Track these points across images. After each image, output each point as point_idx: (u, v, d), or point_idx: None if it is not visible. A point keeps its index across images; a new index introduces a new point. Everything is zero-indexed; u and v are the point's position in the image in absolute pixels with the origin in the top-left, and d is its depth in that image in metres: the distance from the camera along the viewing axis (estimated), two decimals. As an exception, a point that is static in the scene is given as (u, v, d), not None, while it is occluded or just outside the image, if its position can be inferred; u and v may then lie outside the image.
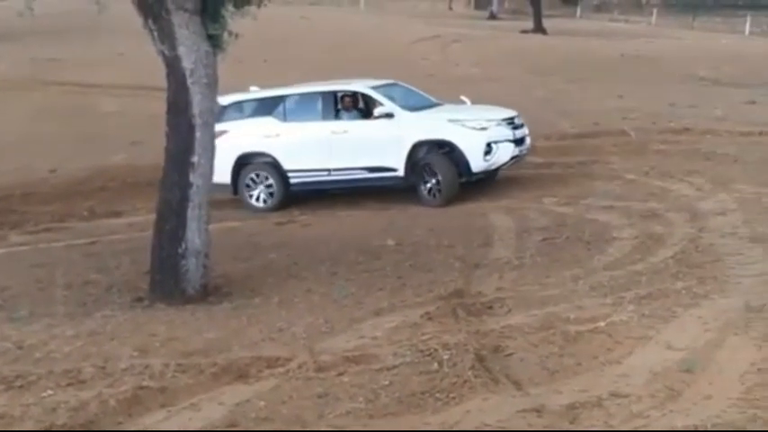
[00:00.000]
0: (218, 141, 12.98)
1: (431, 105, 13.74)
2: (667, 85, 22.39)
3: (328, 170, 13.12)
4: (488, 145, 12.61)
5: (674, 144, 15.07)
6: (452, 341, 5.86)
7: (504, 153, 12.74)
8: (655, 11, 50.49)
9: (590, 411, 4.51)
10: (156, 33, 7.91)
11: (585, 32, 37.73)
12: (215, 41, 8.21)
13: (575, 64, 26.07)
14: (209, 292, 8.33)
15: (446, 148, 12.64)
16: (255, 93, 14.30)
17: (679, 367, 5.19)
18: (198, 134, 8.06)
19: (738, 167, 12.59)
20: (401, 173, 12.74)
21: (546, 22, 40.51)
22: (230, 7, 8.40)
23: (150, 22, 7.89)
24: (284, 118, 13.49)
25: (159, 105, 8.44)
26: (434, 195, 12.59)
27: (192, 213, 8.19)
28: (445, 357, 5.53)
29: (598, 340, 5.82)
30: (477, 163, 12.62)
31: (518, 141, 12.92)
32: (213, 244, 8.63)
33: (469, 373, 5.25)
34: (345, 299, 7.74)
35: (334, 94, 13.60)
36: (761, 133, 15.75)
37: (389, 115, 12.93)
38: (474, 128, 12.72)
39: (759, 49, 32.52)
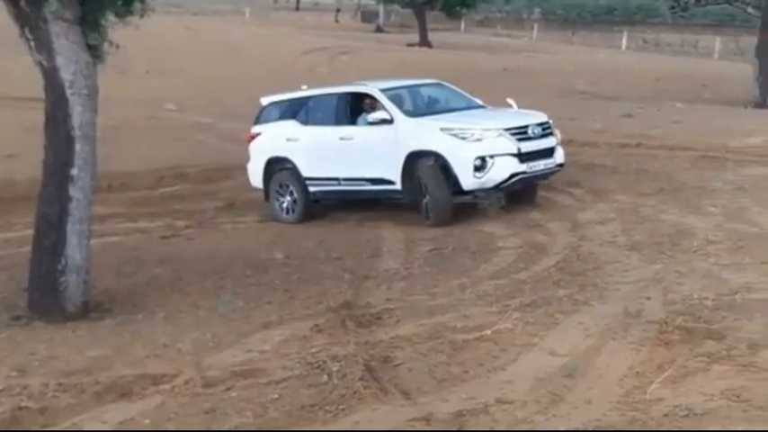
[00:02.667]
0: (252, 144, 13.08)
1: (462, 108, 12.18)
2: (548, 98, 22.99)
3: (338, 179, 12.03)
4: (481, 159, 10.83)
5: (555, 156, 15.46)
6: (342, 353, 5.86)
7: (502, 169, 10.86)
8: (536, 26, 51.99)
9: (476, 418, 4.59)
10: (33, 43, 7.65)
11: (470, 46, 38.51)
12: (95, 52, 7.99)
13: (460, 77, 26.40)
14: (90, 309, 8.09)
15: (436, 161, 11.06)
16: (290, 94, 13.24)
17: (561, 373, 5.34)
18: (78, 147, 7.83)
19: (616, 178, 13.01)
20: (399, 186, 11.41)
21: (431, 36, 41.19)
22: (111, 17, 8.21)
23: (27, 31, 7.62)
24: (306, 121, 12.51)
25: (36, 117, 8.18)
26: (427, 215, 11.10)
27: (73, 228, 7.94)
28: (335, 369, 5.53)
29: (484, 348, 5.92)
30: (466, 179, 10.89)
31: (529, 156, 11.00)
32: (95, 259, 8.39)
33: (359, 384, 5.26)
34: (233, 313, 7.65)
35: (347, 95, 12.38)
36: (637, 145, 16.36)
37: (387, 121, 11.50)
38: (465, 138, 10.98)
39: (635, 63, 33.86)
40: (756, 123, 18.59)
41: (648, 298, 7.00)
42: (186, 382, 5.56)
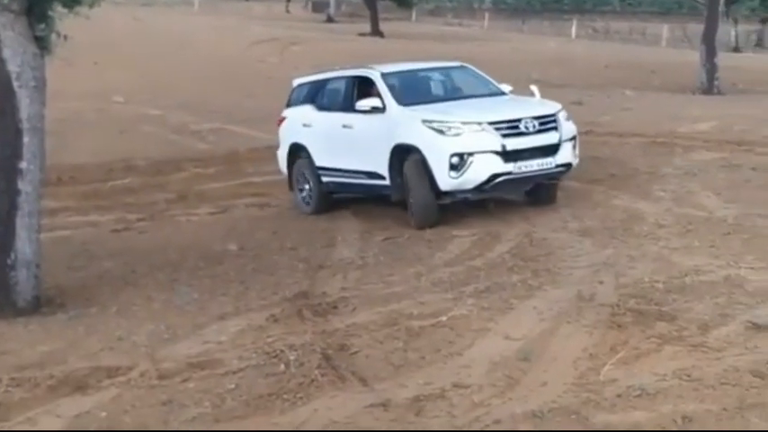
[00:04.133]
0: (280, 129, 12.49)
1: (476, 96, 11.11)
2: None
3: (342, 171, 11.14)
4: (458, 156, 9.62)
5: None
6: (298, 342, 5.86)
7: (481, 169, 9.64)
8: (487, 15, 52.21)
9: (434, 403, 4.62)
10: (-24, 35, 7.52)
11: (422, 36, 38.55)
12: (43, 43, 7.87)
13: (411, 66, 26.55)
14: (42, 304, 7.97)
15: (419, 156, 9.94)
16: (315, 75, 12.44)
17: (517, 356, 5.40)
18: (26, 139, 7.70)
19: (567, 165, 13.11)
20: (388, 182, 10.40)
21: (383, 26, 41.14)
22: (59, 8, 8.08)
23: (-30, 22, 7.49)
24: (320, 106, 11.70)
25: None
26: (412, 214, 10.10)
27: (22, 222, 7.82)
28: (292, 358, 5.53)
29: (440, 334, 5.96)
30: (443, 178, 9.73)
31: (517, 154, 9.68)
32: (45, 254, 8.27)
33: (316, 372, 5.27)
34: (188, 305, 7.60)
35: (354, 79, 11.39)
36: (588, 132, 16.50)
37: (378, 109, 10.51)
38: (442, 132, 9.79)
39: (585, 51, 34.19)
40: (704, 109, 18.92)
41: (601, 282, 7.10)
42: (142, 375, 5.53)
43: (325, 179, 11.43)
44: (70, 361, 5.92)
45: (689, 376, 4.82)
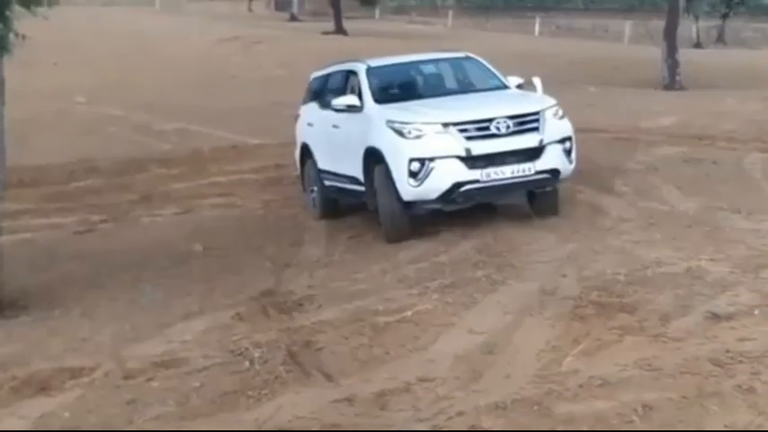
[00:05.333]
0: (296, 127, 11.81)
1: (472, 91, 10.30)
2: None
3: (337, 175, 10.25)
4: (419, 162, 8.64)
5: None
6: (264, 339, 5.87)
7: (442, 176, 8.65)
8: (450, 13, 52.37)
9: (399, 397, 4.65)
10: (-68, 35, 7.45)
11: (386, 34, 38.56)
12: (1, 43, 7.81)
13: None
14: (4, 307, 7.93)
15: (380, 161, 9.05)
16: (329, 68, 11.39)
17: (481, 350, 5.44)
18: (-15, 139, 7.65)
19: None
20: (365, 188, 9.50)
21: (346, 24, 41.13)
22: (16, 7, 8.02)
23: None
24: (321, 104, 10.82)
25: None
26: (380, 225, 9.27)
27: (-17, 223, 7.75)
28: (256, 355, 5.54)
29: (405, 329, 5.99)
30: (403, 187, 8.77)
31: (486, 159, 8.65)
32: (7, 256, 8.20)
33: (281, 368, 5.29)
34: (152, 305, 7.57)
35: (346, 74, 10.57)
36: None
37: (356, 107, 9.69)
38: (403, 134, 8.83)
39: (548, 49, 34.40)
40: (666, 105, 19.16)
41: (564, 275, 7.16)
42: (106, 375, 5.52)
43: (326, 183, 10.62)
44: (33, 362, 5.88)
45: (650, 366, 4.89)
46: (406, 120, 8.99)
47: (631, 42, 40.96)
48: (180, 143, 16.47)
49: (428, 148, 8.77)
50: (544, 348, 5.38)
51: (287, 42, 33.58)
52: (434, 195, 8.82)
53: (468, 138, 8.77)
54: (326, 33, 39.37)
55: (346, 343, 5.75)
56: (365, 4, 47.88)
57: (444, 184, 8.74)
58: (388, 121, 9.05)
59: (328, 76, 11.22)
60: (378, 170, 9.15)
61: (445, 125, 8.83)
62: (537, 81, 10.33)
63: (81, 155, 15.01)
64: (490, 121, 8.83)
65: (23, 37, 8.00)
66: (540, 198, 9.57)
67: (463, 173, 8.71)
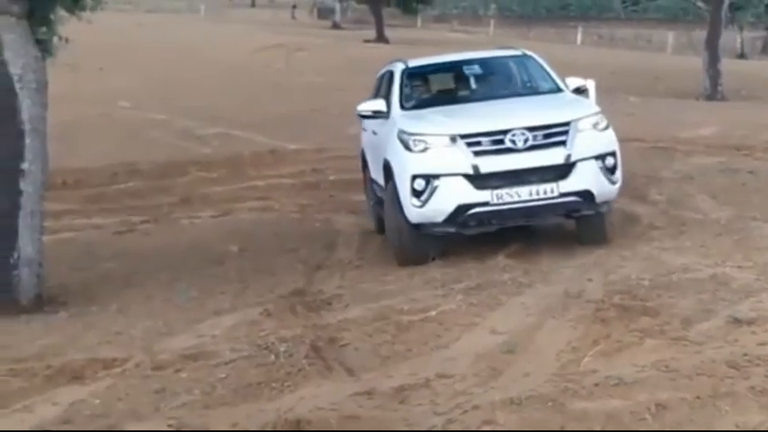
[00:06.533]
0: None
1: (518, 95, 9.24)
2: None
3: (379, 186, 9.30)
4: (423, 179, 7.77)
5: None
6: (289, 335, 6.02)
7: (446, 197, 7.76)
8: (492, 22, 52.42)
9: (417, 391, 4.76)
10: (-22, 39, 7.73)
11: (427, 42, 38.67)
12: (44, 46, 8.09)
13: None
14: (44, 303, 8.17)
15: (391, 176, 8.36)
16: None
17: (501, 349, 5.52)
18: (27, 140, 7.92)
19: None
20: None
21: (388, 32, 41.37)
22: (60, 11, 8.29)
23: (-28, 27, 7.70)
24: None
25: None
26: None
27: (24, 222, 8.01)
28: (282, 350, 5.68)
29: (429, 328, 6.10)
30: (407, 206, 7.96)
31: (498, 178, 7.69)
32: (48, 255, 8.45)
33: (305, 362, 5.43)
34: (186, 303, 7.76)
35: (389, 75, 9.73)
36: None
37: (382, 113, 9.00)
38: (408, 146, 8.01)
39: (590, 58, 34.23)
40: (706, 115, 19.08)
41: (590, 280, 7.22)
42: (137, 366, 5.70)
43: (378, 194, 9.58)
44: (68, 353, 6.08)
45: (667, 367, 4.94)
46: (413, 130, 8.15)
47: (675, 53, 40.72)
48: (220, 147, 16.75)
49: (433, 163, 7.85)
50: (564, 349, 5.45)
51: (328, 50, 33.88)
52: (440, 218, 7.90)
53: (478, 153, 7.76)
54: (368, 41, 39.67)
55: (370, 340, 5.87)
56: (407, 13, 48.11)
57: (449, 206, 7.78)
58: (399, 131, 8.27)
59: (381, 76, 10.34)
60: (389, 187, 8.39)
61: (453, 138, 7.85)
62: (591, 84, 9.66)
63: (123, 158, 15.34)
64: (505, 133, 7.75)
65: (66, 40, 8.26)
66: (583, 223, 8.56)
67: (470, 194, 7.71)
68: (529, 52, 9.85)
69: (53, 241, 9.88)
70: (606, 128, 8.24)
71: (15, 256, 7.96)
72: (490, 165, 7.74)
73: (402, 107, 9.00)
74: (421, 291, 7.19)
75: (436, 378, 4.95)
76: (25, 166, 7.92)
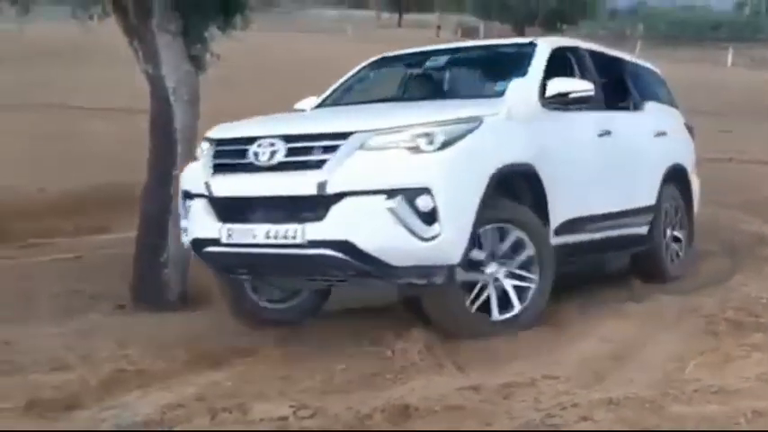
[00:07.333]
0: None
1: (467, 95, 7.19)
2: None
3: None
4: (187, 197, 6.34)
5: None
6: (405, 333, 6.33)
7: (192, 225, 6.18)
8: (639, 42, 51.51)
9: (522, 389, 5.00)
10: (141, 54, 8.47)
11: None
12: (197, 62, 8.76)
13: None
14: (188, 300, 8.73)
15: None
16: None
17: (608, 356, 5.74)
18: (179, 149, 8.55)
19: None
20: None
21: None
22: (213, 30, 8.94)
23: (135, 43, 8.46)
24: None
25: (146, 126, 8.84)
26: None
27: (173, 225, 8.61)
28: (398, 347, 6.04)
29: (542, 334, 6.35)
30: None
31: (232, 207, 5.85)
32: (193, 260, 9.03)
33: (417, 357, 5.79)
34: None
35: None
36: (729, 159, 16.50)
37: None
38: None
39: (740, 79, 33.31)
40: None
41: (709, 296, 7.29)
42: (267, 356, 6.19)
43: None
44: (207, 343, 6.60)
45: (771, 379, 5.01)
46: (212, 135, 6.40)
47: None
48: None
49: (190, 176, 6.30)
50: (671, 359, 5.59)
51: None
52: (193, 252, 6.39)
53: (217, 167, 5.91)
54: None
55: (484, 341, 6.16)
56: (550, 32, 47.95)
57: (188, 238, 6.22)
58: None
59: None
60: None
61: (211, 142, 6.12)
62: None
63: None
64: (252, 141, 5.69)
65: (218, 56, 8.91)
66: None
67: (206, 225, 5.87)
68: (536, 41, 7.29)
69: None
70: (442, 148, 5.43)
71: (165, 256, 8.55)
72: (223, 186, 5.77)
73: (322, 103, 7.96)
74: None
75: (541, 378, 5.19)
76: (176, 172, 8.51)
